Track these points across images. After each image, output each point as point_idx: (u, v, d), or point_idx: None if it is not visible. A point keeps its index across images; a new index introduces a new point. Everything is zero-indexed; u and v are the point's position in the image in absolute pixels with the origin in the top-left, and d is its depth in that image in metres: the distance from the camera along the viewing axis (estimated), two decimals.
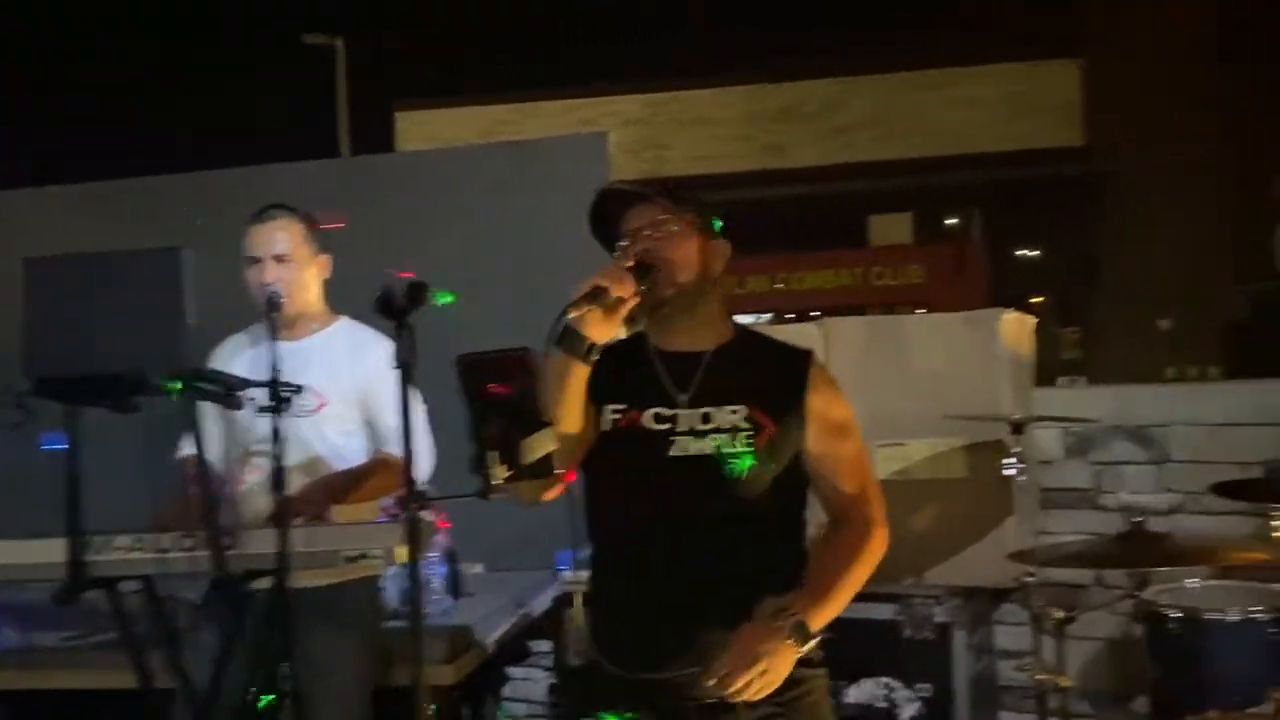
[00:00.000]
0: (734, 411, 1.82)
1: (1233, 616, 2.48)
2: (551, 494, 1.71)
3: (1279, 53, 12.76)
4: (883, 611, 3.24)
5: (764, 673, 1.67)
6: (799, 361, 1.90)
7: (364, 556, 2.18)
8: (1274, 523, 2.05)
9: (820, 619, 1.74)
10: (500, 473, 1.47)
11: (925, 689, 3.15)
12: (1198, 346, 13.48)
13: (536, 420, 1.52)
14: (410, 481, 1.74)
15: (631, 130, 15.76)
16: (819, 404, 1.86)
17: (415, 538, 1.76)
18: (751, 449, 1.79)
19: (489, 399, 1.50)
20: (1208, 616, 2.51)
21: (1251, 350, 13.29)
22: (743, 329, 1.98)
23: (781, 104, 15.33)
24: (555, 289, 1.79)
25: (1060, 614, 2.52)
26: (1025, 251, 16.42)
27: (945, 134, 14.57)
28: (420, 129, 15.40)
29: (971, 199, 15.60)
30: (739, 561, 1.78)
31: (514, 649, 3.35)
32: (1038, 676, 2.54)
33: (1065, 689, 2.54)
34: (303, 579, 2.25)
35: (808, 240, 15.24)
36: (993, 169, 14.31)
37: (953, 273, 14.40)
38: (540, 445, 1.51)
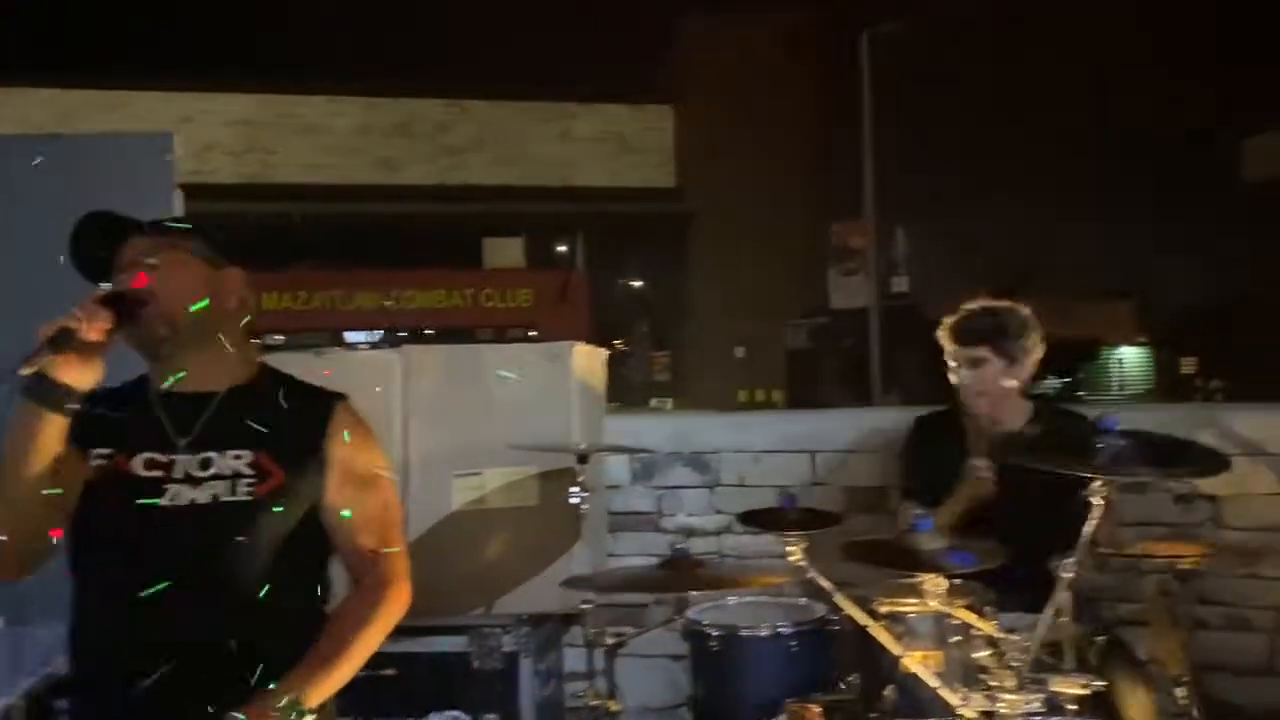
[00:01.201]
0: (238, 457, 1.68)
1: (762, 632, 2.72)
2: (19, 568, 1.48)
3: (844, 113, 14.60)
4: (454, 644, 3.21)
5: None
6: (324, 406, 1.79)
7: None
8: (789, 548, 2.25)
9: (320, 693, 1.65)
10: None
11: (492, 719, 3.17)
12: (766, 373, 15.05)
13: None
14: None
15: (236, 132, 14.77)
16: (341, 452, 1.76)
17: None
18: (253, 498, 1.66)
19: None
20: (742, 633, 2.74)
21: (808, 377, 15.10)
22: (268, 369, 1.84)
23: (395, 119, 15.12)
24: None
25: (612, 639, 2.62)
26: (626, 281, 17.42)
27: (554, 165, 15.13)
28: None
29: (579, 228, 16.31)
30: (240, 626, 1.64)
31: (34, 712, 2.94)
32: (591, 702, 2.63)
33: (616, 712, 2.64)
34: None
35: (423, 258, 15.11)
36: (597, 202, 15.07)
37: (559, 298, 14.95)
38: None
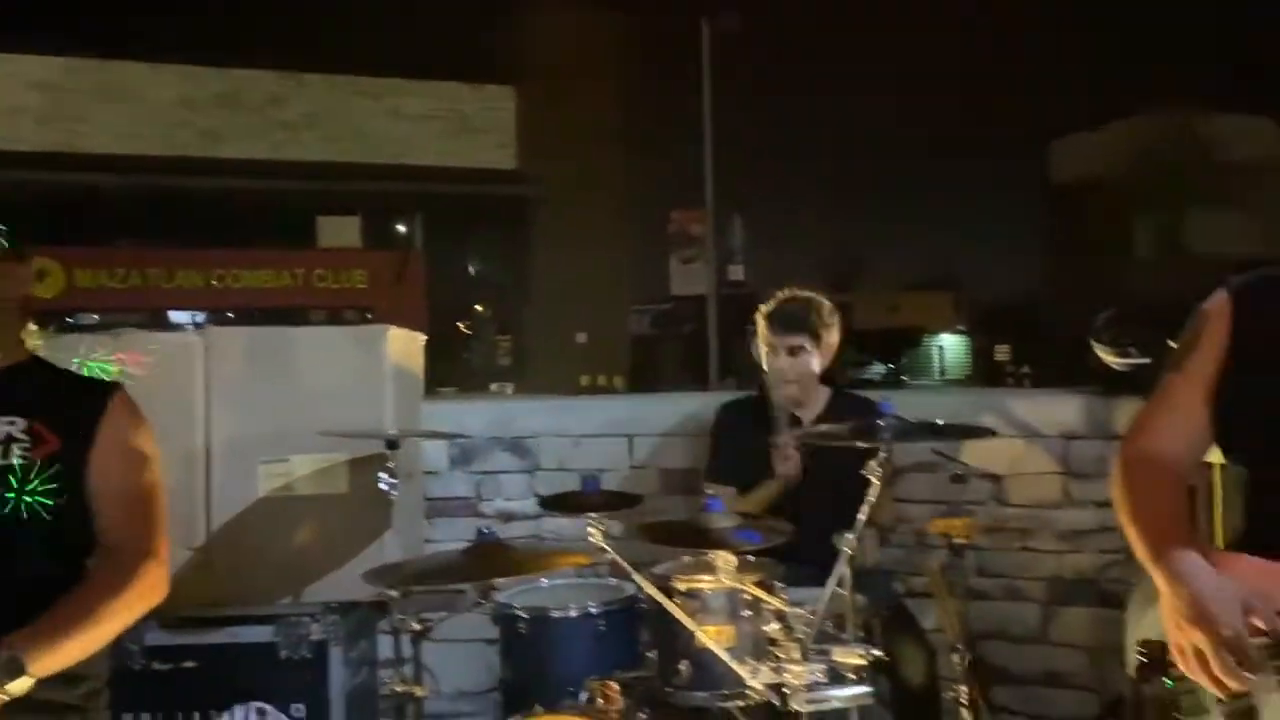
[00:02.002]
0: (11, 423, 1.71)
1: (571, 613, 2.76)
2: None
3: (685, 102, 14.84)
4: (260, 634, 3.14)
5: None
6: (100, 390, 1.84)
7: None
8: (590, 529, 2.29)
9: (48, 657, 1.58)
10: None
11: (299, 709, 3.11)
12: (608, 358, 15.16)
13: None
14: None
15: (43, 96, 13.81)
16: (115, 432, 1.80)
17: None
18: (26, 460, 1.68)
19: None
20: (551, 614, 2.77)
21: (649, 363, 15.32)
22: (39, 359, 1.87)
23: (219, 90, 14.43)
24: None
25: (417, 625, 2.61)
26: (466, 264, 17.20)
27: (390, 143, 14.78)
28: None
29: (417, 209, 15.98)
30: (4, 590, 1.64)
31: None
32: (397, 687, 2.61)
33: (421, 697, 2.63)
34: None
35: (252, 236, 14.51)
36: (436, 182, 14.80)
37: (395, 279, 14.62)
38: None
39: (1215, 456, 2.33)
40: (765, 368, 3.10)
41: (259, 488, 3.18)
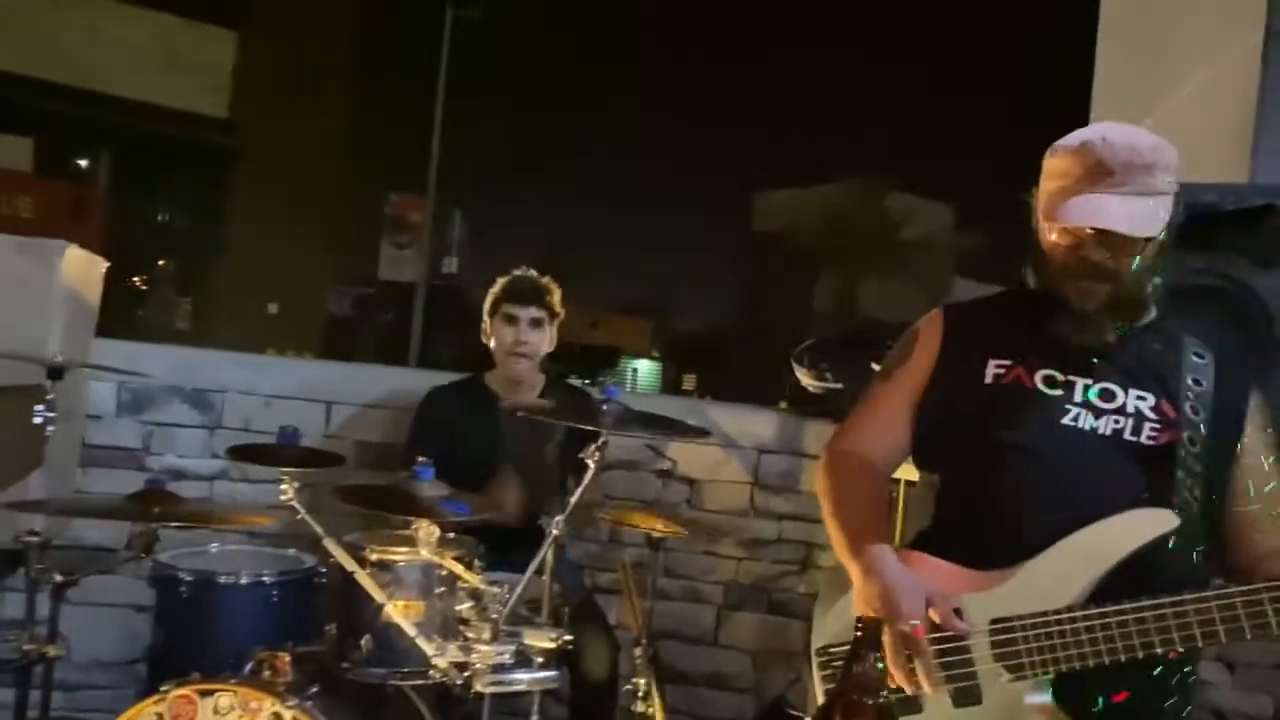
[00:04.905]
0: None
1: (242, 579, 2.55)
2: None
3: (419, 87, 14.45)
4: None
5: None
6: None
7: None
8: (283, 486, 2.12)
9: None
10: None
11: None
12: (300, 334, 14.39)
13: None
14: None
15: None
16: None
17: None
18: None
19: None
20: (220, 579, 2.54)
21: (343, 345, 14.74)
22: None
23: None
24: None
25: (60, 577, 2.30)
26: (154, 211, 15.75)
27: (86, 66, 13.29)
28: None
29: (105, 142, 14.45)
30: None
31: None
32: (25, 646, 2.28)
33: (54, 658, 2.32)
34: None
35: None
36: (132, 116, 13.47)
37: (71, 215, 13.09)
38: None
39: (904, 473, 2.53)
40: (495, 342, 3.02)
41: None
